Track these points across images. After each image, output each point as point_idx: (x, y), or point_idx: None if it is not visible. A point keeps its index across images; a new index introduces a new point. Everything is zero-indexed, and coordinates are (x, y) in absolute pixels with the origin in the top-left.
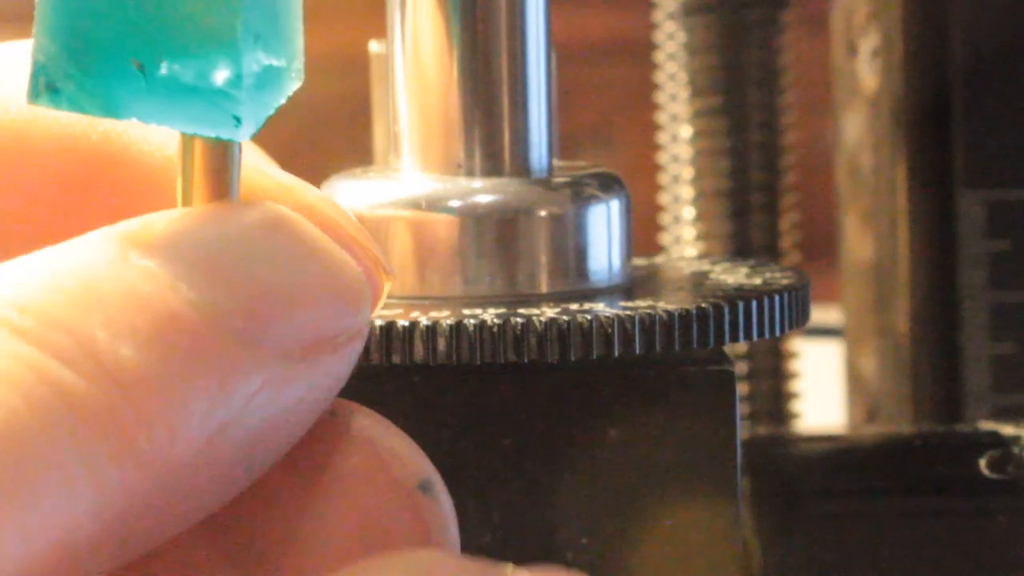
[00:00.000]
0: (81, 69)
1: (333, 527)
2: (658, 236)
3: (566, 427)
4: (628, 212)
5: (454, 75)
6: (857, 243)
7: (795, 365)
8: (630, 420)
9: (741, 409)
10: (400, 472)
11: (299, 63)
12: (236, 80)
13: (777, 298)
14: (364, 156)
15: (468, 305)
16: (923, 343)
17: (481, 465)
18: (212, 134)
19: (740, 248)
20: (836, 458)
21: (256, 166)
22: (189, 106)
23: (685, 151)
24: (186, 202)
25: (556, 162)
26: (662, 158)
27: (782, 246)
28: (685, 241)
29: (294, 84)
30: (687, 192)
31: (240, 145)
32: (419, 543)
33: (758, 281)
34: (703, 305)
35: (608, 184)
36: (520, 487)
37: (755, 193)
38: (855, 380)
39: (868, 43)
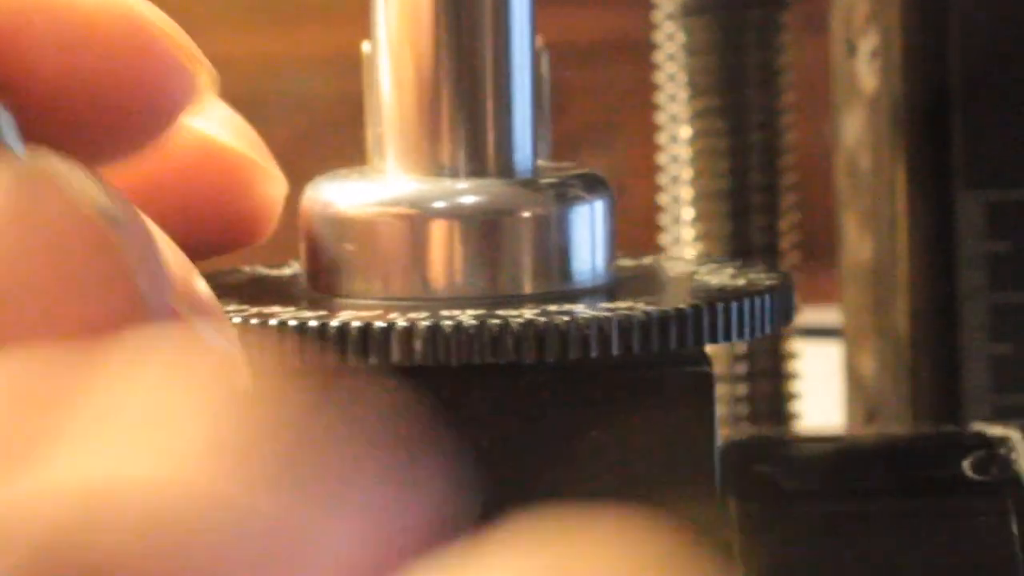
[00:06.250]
0: None
1: None
2: (658, 236)
3: (545, 429)
4: (612, 213)
5: (438, 76)
6: (856, 243)
7: (795, 366)
8: (609, 422)
9: (740, 410)
10: None
11: None
12: None
13: (758, 299)
14: (362, 157)
15: (450, 306)
16: (922, 343)
17: (459, 467)
18: None
19: (740, 248)
20: (826, 459)
21: None
22: None
23: (685, 152)
24: None
25: (542, 163)
26: (662, 158)
27: (782, 246)
28: (684, 242)
29: None
30: (686, 193)
31: None
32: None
33: (742, 282)
34: (681, 306)
35: (592, 185)
36: (498, 489)
37: (755, 193)
38: (855, 380)
39: (867, 43)
